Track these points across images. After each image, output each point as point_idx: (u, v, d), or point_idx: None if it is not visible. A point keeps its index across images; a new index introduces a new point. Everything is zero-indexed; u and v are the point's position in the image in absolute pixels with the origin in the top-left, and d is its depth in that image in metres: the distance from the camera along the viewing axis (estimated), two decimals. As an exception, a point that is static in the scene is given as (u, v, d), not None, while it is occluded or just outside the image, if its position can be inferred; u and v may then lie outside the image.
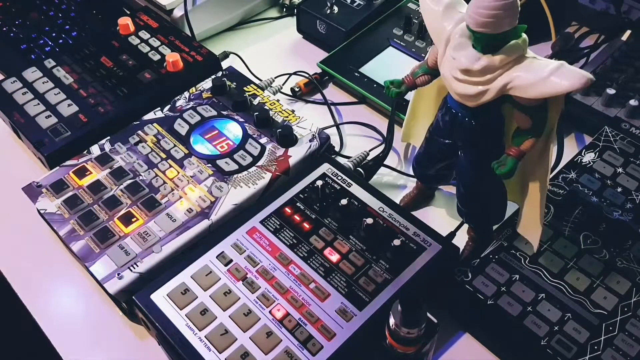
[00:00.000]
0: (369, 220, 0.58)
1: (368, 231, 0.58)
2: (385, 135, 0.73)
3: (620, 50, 0.81)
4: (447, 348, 0.58)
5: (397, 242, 0.57)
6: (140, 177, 0.66)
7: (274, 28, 0.96)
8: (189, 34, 0.86)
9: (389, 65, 0.81)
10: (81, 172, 0.67)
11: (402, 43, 0.83)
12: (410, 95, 0.65)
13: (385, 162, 0.71)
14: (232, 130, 0.70)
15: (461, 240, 0.63)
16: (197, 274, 0.57)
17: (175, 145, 0.69)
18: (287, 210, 0.61)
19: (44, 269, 0.65)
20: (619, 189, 0.64)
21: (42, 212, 0.64)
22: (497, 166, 0.52)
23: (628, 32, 0.83)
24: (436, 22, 0.53)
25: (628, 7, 0.85)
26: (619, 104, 0.74)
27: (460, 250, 0.61)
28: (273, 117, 0.71)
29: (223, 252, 0.58)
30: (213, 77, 0.77)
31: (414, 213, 0.62)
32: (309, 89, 0.83)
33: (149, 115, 0.73)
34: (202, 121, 0.71)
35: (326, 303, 0.54)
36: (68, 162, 0.68)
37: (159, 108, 0.73)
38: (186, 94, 0.75)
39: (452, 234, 0.64)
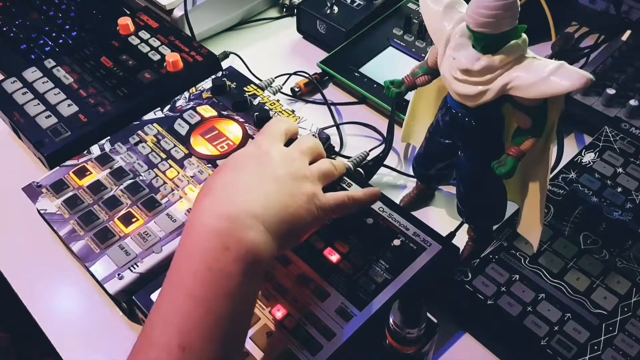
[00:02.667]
0: (369, 220, 0.58)
1: (368, 231, 0.58)
2: (385, 135, 0.73)
3: (620, 50, 0.81)
4: (447, 348, 0.58)
5: (397, 242, 0.57)
6: (141, 177, 0.66)
7: (274, 28, 0.96)
8: (189, 34, 0.86)
9: (389, 65, 0.81)
10: (81, 172, 0.67)
11: (402, 43, 0.83)
12: (410, 95, 0.65)
13: (385, 162, 0.71)
14: (232, 130, 0.70)
15: (461, 240, 0.63)
16: (197, 274, 0.57)
17: (175, 145, 0.69)
18: (287, 210, 0.61)
19: (44, 269, 0.65)
20: (619, 189, 0.64)
21: (42, 212, 0.64)
22: (497, 166, 0.52)
23: (628, 32, 0.83)
24: (436, 22, 0.53)
25: (628, 7, 0.85)
26: (619, 104, 0.74)
27: (460, 250, 0.61)
28: (273, 117, 0.71)
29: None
30: (213, 77, 0.77)
31: (414, 213, 0.62)
32: (309, 89, 0.83)
33: (149, 115, 0.73)
34: (202, 121, 0.71)
35: (326, 303, 0.54)
36: (68, 162, 0.68)
37: (159, 108, 0.73)
38: (186, 94, 0.75)
39: (452, 234, 0.64)
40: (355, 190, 0.57)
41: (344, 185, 0.62)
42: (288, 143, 0.57)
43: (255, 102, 0.74)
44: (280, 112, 0.72)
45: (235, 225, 0.45)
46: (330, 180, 0.57)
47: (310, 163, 0.56)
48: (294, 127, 0.59)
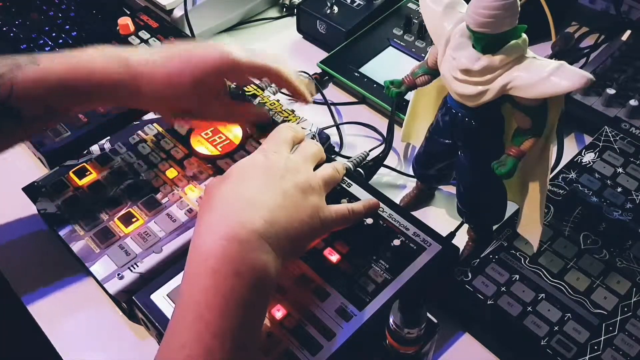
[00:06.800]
0: (369, 220, 0.58)
1: (368, 231, 0.58)
2: (385, 135, 0.73)
3: (620, 50, 0.81)
4: (447, 348, 0.58)
5: (397, 242, 0.57)
6: (141, 177, 0.66)
7: (274, 28, 0.96)
8: (189, 34, 0.86)
9: (389, 65, 0.81)
10: (81, 172, 0.67)
11: (402, 43, 0.83)
12: (410, 95, 0.65)
13: (385, 162, 0.71)
14: (232, 130, 0.70)
15: (461, 240, 0.63)
16: (197, 274, 0.57)
17: (175, 145, 0.69)
18: (287, 210, 0.61)
19: (44, 269, 0.65)
20: (619, 189, 0.64)
21: (42, 212, 0.64)
22: (497, 166, 0.52)
23: (628, 32, 0.83)
24: (436, 22, 0.53)
25: (628, 7, 0.85)
26: (619, 104, 0.74)
27: (460, 250, 0.61)
28: (273, 117, 0.71)
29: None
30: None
31: (414, 213, 0.62)
32: (309, 89, 0.83)
33: (149, 115, 0.73)
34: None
35: (326, 303, 0.54)
36: (68, 162, 0.68)
37: (159, 108, 0.73)
38: (186, 94, 0.75)
39: (452, 234, 0.64)
40: (355, 203, 0.58)
41: (344, 186, 0.62)
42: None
43: (255, 102, 0.74)
44: (280, 112, 0.72)
45: (244, 247, 0.46)
46: (334, 185, 0.58)
47: (314, 169, 0.56)
48: (300, 134, 0.59)
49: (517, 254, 0.59)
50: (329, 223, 0.54)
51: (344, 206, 0.56)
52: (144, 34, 0.84)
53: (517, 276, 0.57)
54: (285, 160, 0.54)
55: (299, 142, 0.59)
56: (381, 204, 0.60)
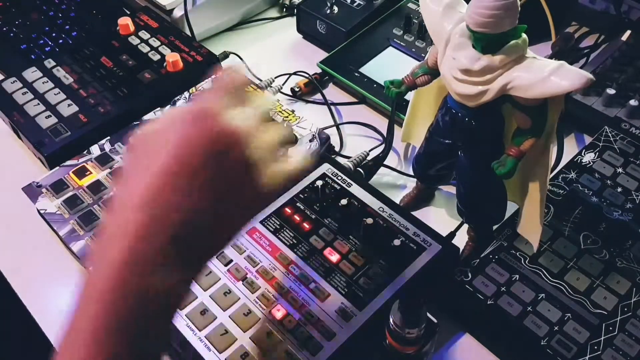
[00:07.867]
0: (369, 220, 0.58)
1: (368, 231, 0.58)
2: (385, 135, 0.73)
3: (620, 50, 0.81)
4: (447, 348, 0.58)
5: (397, 242, 0.57)
6: (140, 177, 0.66)
7: (274, 28, 0.96)
8: (189, 34, 0.86)
9: (389, 65, 0.81)
10: (81, 172, 0.67)
11: (402, 43, 0.83)
12: (410, 95, 0.65)
13: (385, 162, 0.71)
14: (232, 130, 0.70)
15: (461, 240, 0.63)
16: (197, 274, 0.57)
17: (175, 145, 0.69)
18: (287, 210, 0.61)
19: (44, 269, 0.65)
20: (619, 189, 0.64)
21: (42, 212, 0.64)
22: (497, 166, 0.52)
23: (628, 32, 0.83)
24: (436, 22, 0.53)
25: (628, 7, 0.85)
26: (619, 104, 0.74)
27: (460, 250, 0.61)
28: (273, 117, 0.71)
29: (223, 252, 0.58)
30: (213, 77, 0.77)
31: (414, 213, 0.62)
32: (309, 89, 0.83)
33: (149, 115, 0.73)
34: (202, 121, 0.71)
35: (326, 303, 0.54)
36: (68, 162, 0.68)
37: (159, 108, 0.73)
38: (186, 94, 0.75)
39: (452, 234, 0.64)
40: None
41: (344, 185, 0.62)
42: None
43: (255, 102, 0.74)
44: (280, 112, 0.72)
45: (140, 267, 0.40)
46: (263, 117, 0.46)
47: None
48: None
49: (517, 254, 0.59)
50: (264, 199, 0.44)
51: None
52: (144, 34, 0.84)
53: (517, 276, 0.57)
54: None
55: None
56: (381, 204, 0.60)
